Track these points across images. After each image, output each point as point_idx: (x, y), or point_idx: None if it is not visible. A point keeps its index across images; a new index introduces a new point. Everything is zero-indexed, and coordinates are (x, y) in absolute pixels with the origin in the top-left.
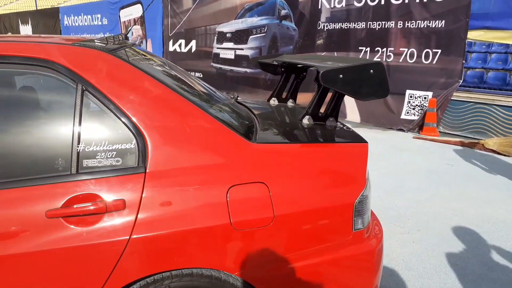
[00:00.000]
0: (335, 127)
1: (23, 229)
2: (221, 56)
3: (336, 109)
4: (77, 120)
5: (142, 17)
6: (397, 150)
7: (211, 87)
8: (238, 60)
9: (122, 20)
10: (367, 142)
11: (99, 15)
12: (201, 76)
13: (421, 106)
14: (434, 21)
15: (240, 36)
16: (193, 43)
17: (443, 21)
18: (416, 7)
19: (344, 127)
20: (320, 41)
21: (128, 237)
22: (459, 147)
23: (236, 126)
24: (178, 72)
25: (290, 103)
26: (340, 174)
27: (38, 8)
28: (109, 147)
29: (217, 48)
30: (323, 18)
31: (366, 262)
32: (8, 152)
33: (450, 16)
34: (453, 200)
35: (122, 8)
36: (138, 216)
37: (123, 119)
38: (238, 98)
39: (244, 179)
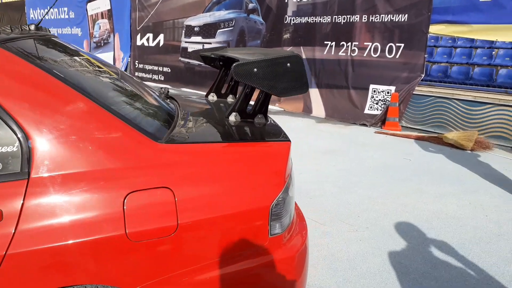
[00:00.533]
0: (264, 124)
1: None
2: (189, 50)
3: (265, 105)
4: None
5: (109, 10)
6: (357, 145)
7: (139, 82)
8: None
9: (89, 14)
10: (289, 141)
11: (65, 9)
12: (169, 71)
13: (384, 101)
14: (397, 15)
15: (208, 30)
16: (161, 37)
17: (406, 15)
18: (380, 1)
19: (272, 125)
20: (286, 36)
21: (4, 253)
22: (419, 142)
23: (144, 125)
24: (96, 67)
25: (230, 99)
26: (256, 175)
27: (3, 1)
28: None
29: (185, 42)
30: (289, 12)
31: (286, 268)
32: None
33: (412, 10)
34: (406, 196)
35: (90, 1)
36: (18, 228)
37: (5, 120)
38: (169, 93)
39: (146, 184)
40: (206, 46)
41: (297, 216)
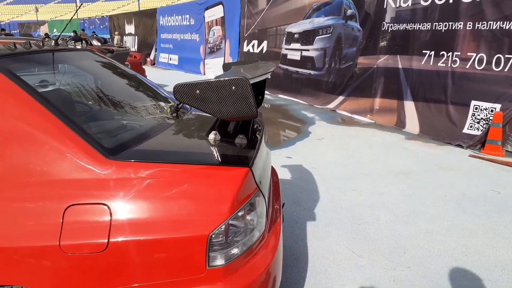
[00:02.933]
0: (243, 145)
1: None
2: (288, 57)
3: (247, 125)
4: None
5: (223, 17)
6: (439, 169)
7: (142, 96)
8: (304, 61)
9: (206, 20)
10: (248, 167)
11: (187, 16)
12: (269, 77)
13: (487, 120)
14: (508, 23)
15: (307, 37)
16: (264, 44)
17: None
18: (488, 6)
19: (249, 146)
20: (383, 43)
21: None
22: None
23: (103, 140)
24: (93, 80)
25: None
26: (199, 201)
27: (140, 9)
28: None
29: (285, 49)
30: (387, 18)
31: None
32: None
33: None
34: (473, 236)
35: (207, 8)
36: None
37: None
38: (179, 106)
39: (85, 199)
40: (304, 53)
41: (269, 249)
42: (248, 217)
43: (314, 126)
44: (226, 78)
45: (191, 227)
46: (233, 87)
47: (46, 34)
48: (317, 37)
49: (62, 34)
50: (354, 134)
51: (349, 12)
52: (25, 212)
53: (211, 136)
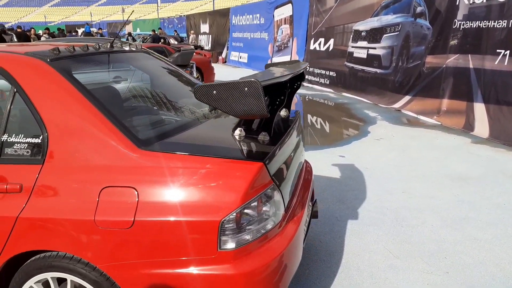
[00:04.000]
0: (265, 142)
1: None
2: (354, 55)
3: (269, 123)
4: (6, 115)
5: (291, 16)
6: (504, 176)
7: (183, 94)
8: (370, 59)
9: (275, 19)
10: (262, 162)
11: (258, 15)
12: (334, 75)
13: None
14: None
15: (374, 35)
16: (331, 42)
17: None
18: None
19: (269, 143)
20: (454, 42)
21: (16, 216)
22: None
23: (137, 132)
24: (142, 78)
25: (283, 112)
26: (214, 190)
27: (215, 9)
28: (24, 140)
29: (352, 47)
30: (460, 15)
31: (231, 285)
32: None
33: None
34: None
35: (277, 7)
36: (29, 200)
37: (37, 120)
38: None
39: (118, 182)
40: (371, 51)
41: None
42: (264, 208)
43: (375, 126)
44: (239, 80)
45: (206, 213)
46: (246, 88)
47: (129, 33)
48: (384, 35)
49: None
50: (416, 135)
51: (418, 9)
52: (71, 191)
53: (237, 132)
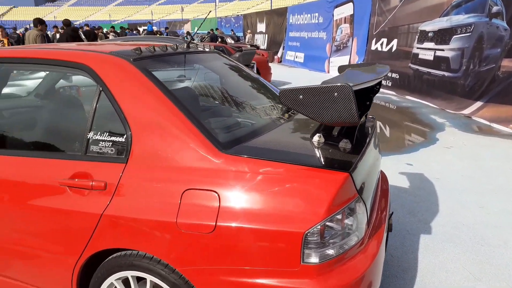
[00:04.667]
0: (347, 150)
1: (45, 189)
2: (419, 56)
3: (352, 129)
4: (92, 113)
5: (352, 15)
6: None
7: (258, 95)
8: (437, 62)
9: (334, 18)
10: (348, 172)
11: (316, 14)
12: (397, 77)
13: None
14: None
15: (442, 36)
16: (394, 42)
17: None
18: None
19: (352, 152)
20: None
21: (101, 213)
22: None
23: (218, 135)
24: (216, 80)
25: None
26: (298, 200)
27: (272, 8)
28: (108, 138)
29: (417, 48)
30: None
31: None
32: (49, 131)
33: None
34: None
35: (337, 6)
36: (113, 198)
37: (121, 118)
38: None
39: (199, 185)
40: (438, 52)
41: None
42: (347, 221)
43: (443, 132)
44: (328, 85)
45: (289, 223)
46: (335, 94)
47: (187, 32)
48: (454, 36)
49: (199, 32)
50: (490, 144)
51: (494, 9)
52: (153, 191)
53: (315, 138)
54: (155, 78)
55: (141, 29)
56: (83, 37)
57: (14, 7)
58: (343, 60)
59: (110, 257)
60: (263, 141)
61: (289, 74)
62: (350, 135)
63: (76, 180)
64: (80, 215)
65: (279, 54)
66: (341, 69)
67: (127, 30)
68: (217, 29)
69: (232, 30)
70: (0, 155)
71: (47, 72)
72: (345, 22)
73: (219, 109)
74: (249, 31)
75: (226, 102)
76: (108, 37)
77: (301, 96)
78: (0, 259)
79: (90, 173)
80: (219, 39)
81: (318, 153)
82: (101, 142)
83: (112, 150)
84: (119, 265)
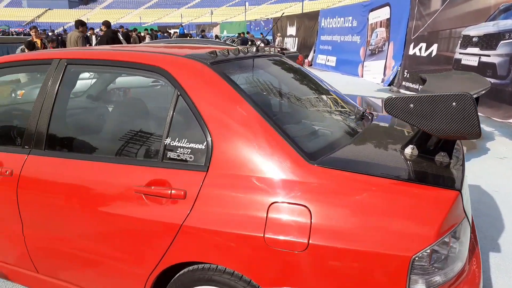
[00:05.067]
0: (445, 164)
1: (120, 196)
2: (462, 62)
3: (450, 142)
4: (169, 118)
5: (388, 19)
6: None
7: (337, 101)
8: (482, 68)
9: (369, 22)
10: (458, 191)
11: (350, 18)
12: None
13: None
14: None
15: (488, 41)
16: (434, 47)
17: None
18: None
19: (453, 167)
20: None
21: (181, 223)
22: None
23: (303, 145)
24: (287, 85)
25: None
26: (403, 220)
27: (303, 12)
28: (187, 144)
29: (460, 53)
30: None
31: None
32: (122, 135)
33: None
34: None
35: (372, 10)
36: (193, 208)
37: (201, 124)
38: (365, 113)
39: (288, 198)
40: (484, 58)
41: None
42: (452, 245)
43: (493, 142)
44: (445, 93)
45: (393, 246)
46: (454, 103)
47: (216, 35)
48: (501, 42)
49: (228, 35)
50: None
51: None
52: (237, 203)
53: (408, 150)
54: (234, 82)
55: (172, 32)
56: (122, 38)
57: (49, 9)
58: (378, 64)
59: (186, 270)
60: (350, 151)
61: (322, 77)
62: (446, 148)
63: (153, 187)
64: (157, 224)
65: (309, 58)
66: (424, 77)
67: (158, 32)
68: (248, 32)
69: (261, 33)
70: (72, 159)
71: (122, 75)
72: (380, 26)
73: (297, 116)
74: (279, 34)
75: (302, 109)
76: (143, 40)
77: (412, 105)
78: (68, 266)
79: (168, 180)
80: (250, 43)
81: (415, 167)
82: (179, 149)
83: (191, 157)
84: (197, 279)
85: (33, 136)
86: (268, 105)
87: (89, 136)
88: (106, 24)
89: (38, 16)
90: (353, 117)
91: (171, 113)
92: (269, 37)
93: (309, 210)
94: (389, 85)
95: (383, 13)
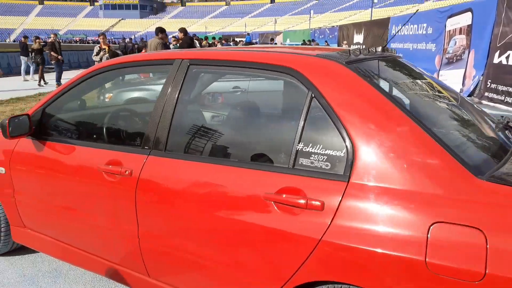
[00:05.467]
0: None
1: (246, 202)
2: None
3: None
4: (302, 122)
5: (469, 26)
6: None
7: (477, 110)
8: None
9: (447, 29)
10: None
11: (424, 25)
12: None
13: None
14: None
15: None
16: None
17: None
18: None
19: None
20: None
21: (319, 238)
22: None
23: (466, 157)
24: (434, 92)
25: None
26: None
27: (372, 19)
28: (322, 151)
29: None
30: None
31: None
32: (247, 140)
33: None
34: None
35: (450, 16)
36: (333, 221)
37: (339, 128)
38: (510, 123)
39: (454, 219)
40: None
41: None
42: None
43: None
44: None
45: None
46: None
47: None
48: None
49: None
50: None
51: None
52: (386, 217)
53: None
54: (376, 83)
55: (238, 40)
56: (198, 45)
57: (122, 19)
58: (457, 73)
59: None
60: None
61: None
62: None
63: (284, 195)
64: (289, 236)
65: None
66: None
67: (223, 41)
68: (313, 40)
69: (326, 41)
70: (195, 161)
71: (247, 76)
72: (460, 33)
73: (448, 123)
74: (345, 42)
75: (449, 115)
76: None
77: None
78: (183, 272)
79: (301, 189)
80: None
81: None
82: (313, 155)
83: (327, 165)
84: None
85: (153, 136)
86: (415, 109)
87: (212, 138)
88: (183, 31)
89: (112, 26)
90: (499, 126)
91: (304, 116)
92: (334, 45)
93: (483, 233)
94: (469, 95)
95: (464, 19)
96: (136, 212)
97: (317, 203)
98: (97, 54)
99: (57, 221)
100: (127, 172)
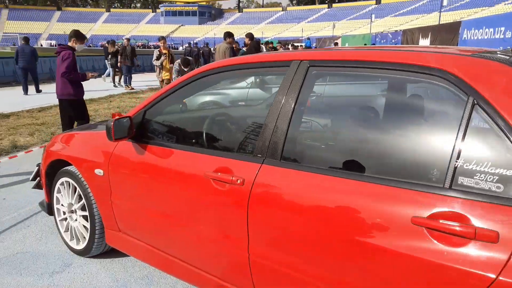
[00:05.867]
0: None
1: (387, 225)
2: None
3: None
4: (461, 134)
5: None
6: None
7: None
8: None
9: None
10: None
11: (502, 28)
12: None
13: None
14: None
15: None
16: None
17: None
18: None
19: None
20: None
21: (495, 276)
22: None
23: None
24: None
25: None
26: None
27: (440, 23)
28: (491, 169)
29: None
30: None
31: None
32: (385, 151)
33: None
34: None
35: None
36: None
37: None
38: None
39: None
40: None
41: None
42: None
43: None
44: None
45: None
46: None
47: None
48: None
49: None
50: None
51: None
52: None
53: None
54: None
55: (298, 44)
56: (265, 50)
57: (182, 25)
58: None
59: None
60: None
61: None
62: None
63: (441, 221)
64: (450, 271)
65: None
66: None
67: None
68: (373, 44)
69: (365, 43)
70: (320, 174)
71: (379, 79)
72: None
73: None
74: (335, 41)
75: None
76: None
77: None
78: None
79: (464, 215)
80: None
81: None
82: (478, 174)
83: (499, 187)
84: None
85: (267, 143)
86: None
87: (338, 147)
88: (250, 36)
89: (172, 31)
90: None
91: (464, 127)
92: None
93: None
94: None
95: None
96: (248, 225)
97: (491, 233)
98: (158, 58)
99: (155, 228)
100: (238, 181)
